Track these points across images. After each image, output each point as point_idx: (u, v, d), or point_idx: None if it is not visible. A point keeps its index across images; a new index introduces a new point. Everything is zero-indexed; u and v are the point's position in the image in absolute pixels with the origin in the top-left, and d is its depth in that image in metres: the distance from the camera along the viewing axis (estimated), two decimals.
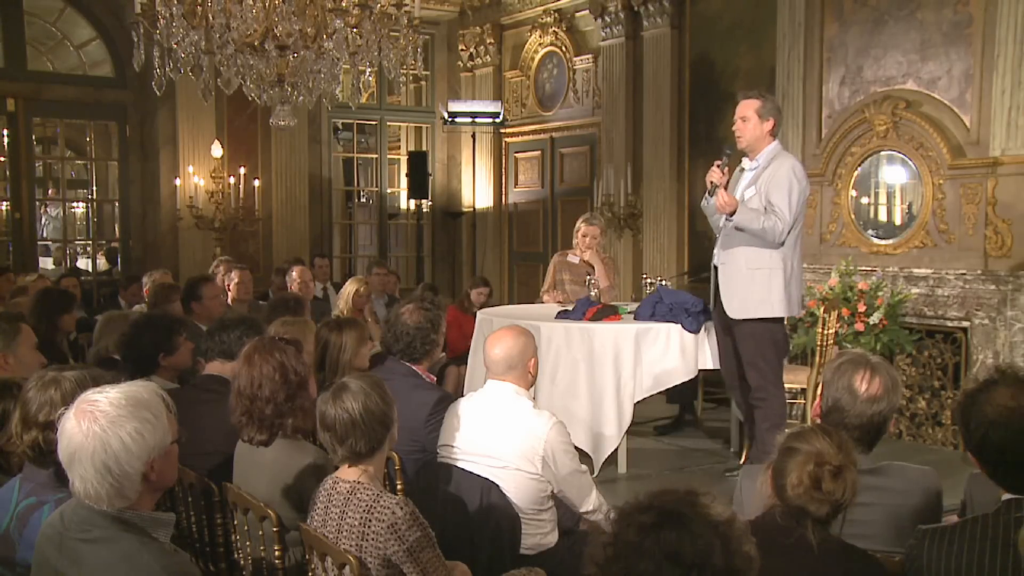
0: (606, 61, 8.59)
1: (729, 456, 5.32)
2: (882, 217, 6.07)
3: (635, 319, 4.93)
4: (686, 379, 4.86)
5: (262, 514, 2.56)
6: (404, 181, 10.24)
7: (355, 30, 4.98)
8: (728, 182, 4.40)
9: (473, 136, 10.03)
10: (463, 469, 3.01)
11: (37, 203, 9.23)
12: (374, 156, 10.61)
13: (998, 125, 5.24)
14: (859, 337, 5.47)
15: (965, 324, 5.44)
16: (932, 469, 2.55)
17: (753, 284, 4.32)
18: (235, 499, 2.70)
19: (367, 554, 2.31)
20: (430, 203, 10.45)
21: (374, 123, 10.46)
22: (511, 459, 2.95)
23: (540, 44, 9.53)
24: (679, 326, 4.75)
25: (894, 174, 5.95)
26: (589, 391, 4.70)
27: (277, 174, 9.29)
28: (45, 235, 10.87)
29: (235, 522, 2.74)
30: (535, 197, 9.88)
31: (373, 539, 2.31)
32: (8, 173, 8.82)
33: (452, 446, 3.08)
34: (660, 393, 5.03)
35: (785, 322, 4.60)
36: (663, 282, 5.69)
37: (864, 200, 6.10)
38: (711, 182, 4.30)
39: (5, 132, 8.81)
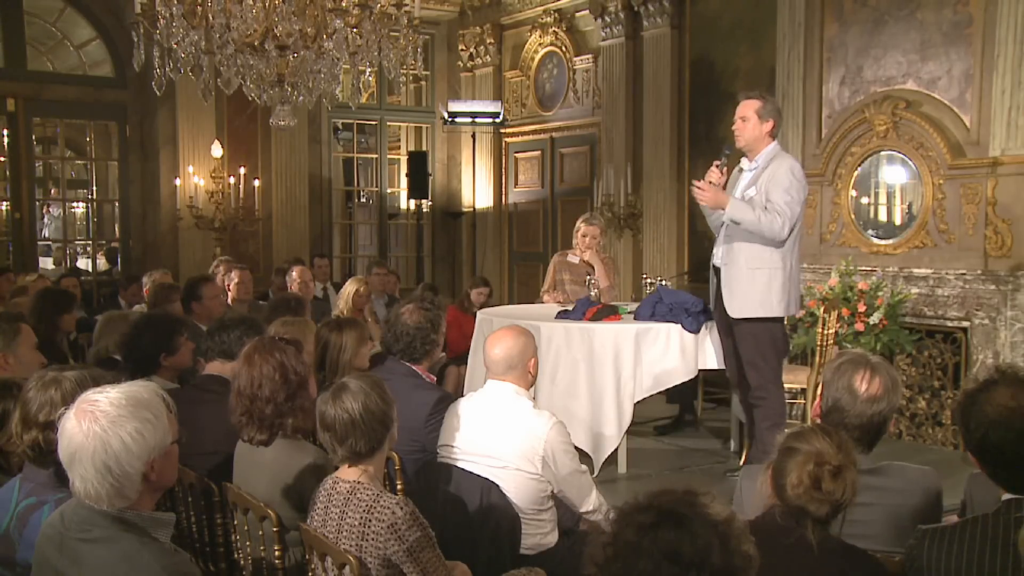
0: (606, 61, 8.59)
1: (729, 456, 5.32)
2: (882, 217, 6.07)
3: (635, 319, 4.93)
4: (686, 379, 4.86)
5: (262, 514, 2.56)
6: (404, 181, 10.24)
7: (355, 30, 4.99)
8: (727, 182, 4.42)
9: (473, 136, 10.03)
10: (463, 469, 3.01)
11: (37, 203, 9.23)
12: (374, 156, 10.61)
13: (998, 125, 5.24)
14: (859, 337, 5.47)
15: (965, 324, 5.44)
16: (932, 469, 2.55)
17: (754, 284, 4.33)
18: (235, 499, 2.70)
19: (367, 554, 2.31)
20: (430, 203, 10.45)
21: (374, 123, 10.46)
22: (511, 459, 2.95)
23: (540, 44, 9.53)
24: (679, 326, 4.75)
25: (894, 174, 5.95)
26: (589, 391, 4.70)
27: (277, 174, 9.29)
28: (47, 235, 10.88)
29: (235, 522, 2.74)
30: (535, 197, 9.88)
31: (373, 539, 2.31)
32: (8, 173, 8.82)
33: (452, 446, 3.08)
34: (660, 393, 5.03)
35: (785, 322, 4.61)
36: (663, 282, 5.69)
37: (864, 200, 6.10)
38: (709, 182, 4.30)
39: (5, 132, 8.81)
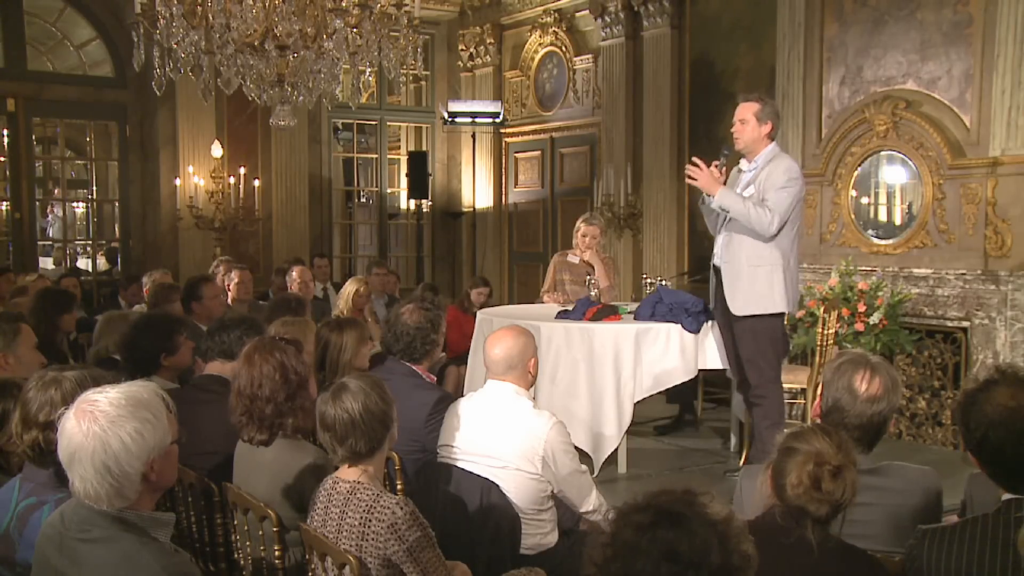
0: (606, 61, 8.59)
1: (729, 456, 5.32)
2: (882, 217, 6.07)
3: (635, 319, 4.93)
4: (686, 379, 4.86)
5: (262, 514, 2.56)
6: (404, 181, 10.25)
7: (355, 30, 4.99)
8: (725, 182, 4.43)
9: (473, 136, 10.03)
10: (463, 469, 3.01)
11: (37, 203, 9.22)
12: (374, 156, 10.61)
13: (998, 125, 5.24)
14: (859, 337, 5.47)
15: (965, 324, 5.44)
16: (932, 469, 2.55)
17: (755, 281, 4.36)
18: (235, 499, 2.70)
19: (367, 554, 2.31)
20: (430, 203, 10.45)
21: (374, 123, 10.46)
22: (511, 459, 2.95)
23: (540, 44, 9.53)
24: (679, 326, 4.75)
25: (894, 174, 5.95)
26: (589, 391, 4.70)
27: (277, 174, 9.29)
28: (51, 235, 10.87)
29: (235, 522, 2.74)
30: (535, 197, 9.88)
31: (373, 539, 2.31)
32: (8, 173, 8.82)
33: (452, 446, 3.08)
34: (660, 393, 5.03)
35: (785, 320, 4.61)
36: (663, 282, 5.69)
37: (864, 200, 6.10)
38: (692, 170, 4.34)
39: (5, 132, 8.81)
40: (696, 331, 4.76)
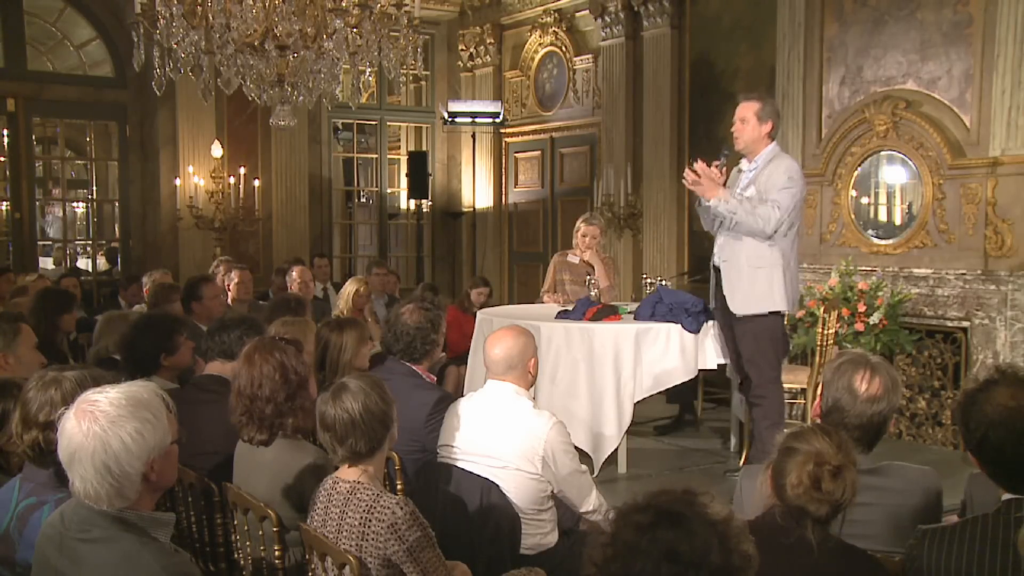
0: (606, 61, 8.59)
1: (729, 456, 5.33)
2: (882, 217, 6.07)
3: (635, 319, 4.93)
4: (686, 379, 4.86)
5: (262, 514, 2.56)
6: (404, 181, 10.24)
7: (355, 30, 4.99)
8: (725, 182, 4.43)
9: (473, 136, 10.03)
10: (463, 469, 3.01)
11: (37, 203, 9.22)
12: (374, 156, 10.61)
13: (998, 125, 5.24)
14: (859, 337, 5.47)
15: (965, 324, 5.44)
16: (932, 469, 2.55)
17: (755, 281, 4.36)
18: (235, 499, 2.70)
19: (367, 554, 2.31)
20: (430, 203, 10.45)
21: (374, 123, 10.46)
22: (511, 459, 2.95)
23: (540, 44, 9.53)
24: (679, 326, 4.75)
25: (894, 174, 5.95)
26: (589, 391, 4.70)
27: (277, 174, 9.29)
28: (52, 235, 10.87)
29: (235, 522, 2.74)
30: (535, 197, 9.88)
31: (373, 539, 2.31)
32: (8, 173, 8.82)
33: (452, 446, 3.08)
34: (660, 393, 5.03)
35: (785, 320, 4.62)
36: (663, 282, 5.69)
37: (864, 200, 6.10)
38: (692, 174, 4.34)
39: (5, 132, 8.81)
40: (696, 331, 4.76)
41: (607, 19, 8.41)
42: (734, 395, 5.31)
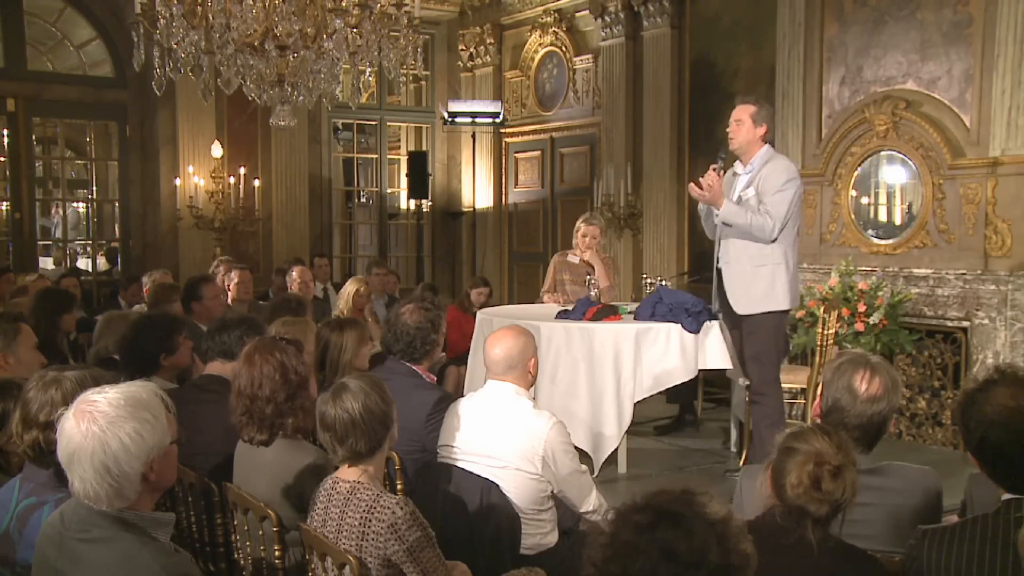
0: (606, 61, 8.59)
1: (729, 456, 5.33)
2: (882, 217, 6.07)
3: (635, 319, 4.93)
4: (686, 379, 4.86)
5: (262, 514, 2.56)
6: (404, 181, 10.24)
7: (355, 30, 4.99)
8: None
9: (473, 136, 10.03)
10: (463, 469, 3.01)
11: (37, 203, 9.22)
12: (374, 156, 10.61)
13: (998, 125, 5.24)
14: (859, 337, 5.47)
15: (965, 324, 5.44)
16: (932, 469, 2.55)
17: (757, 280, 4.41)
18: (235, 499, 2.70)
19: (367, 554, 2.31)
20: (430, 203, 10.45)
21: (374, 123, 10.46)
22: (511, 459, 2.95)
23: (540, 44, 9.53)
24: (679, 326, 4.75)
25: (894, 174, 5.95)
26: (589, 391, 4.70)
27: (277, 174, 9.29)
28: (58, 235, 10.86)
29: (235, 522, 2.74)
30: (535, 197, 9.88)
31: (373, 539, 2.31)
32: (8, 173, 8.83)
33: (452, 446, 3.08)
34: (660, 393, 5.03)
35: (786, 318, 4.65)
36: (663, 282, 5.69)
37: (864, 200, 6.10)
38: (709, 184, 4.37)
39: (5, 132, 8.81)
40: (696, 331, 4.76)
41: (607, 19, 8.41)
42: (734, 395, 5.32)
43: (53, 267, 9.83)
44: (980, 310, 5.34)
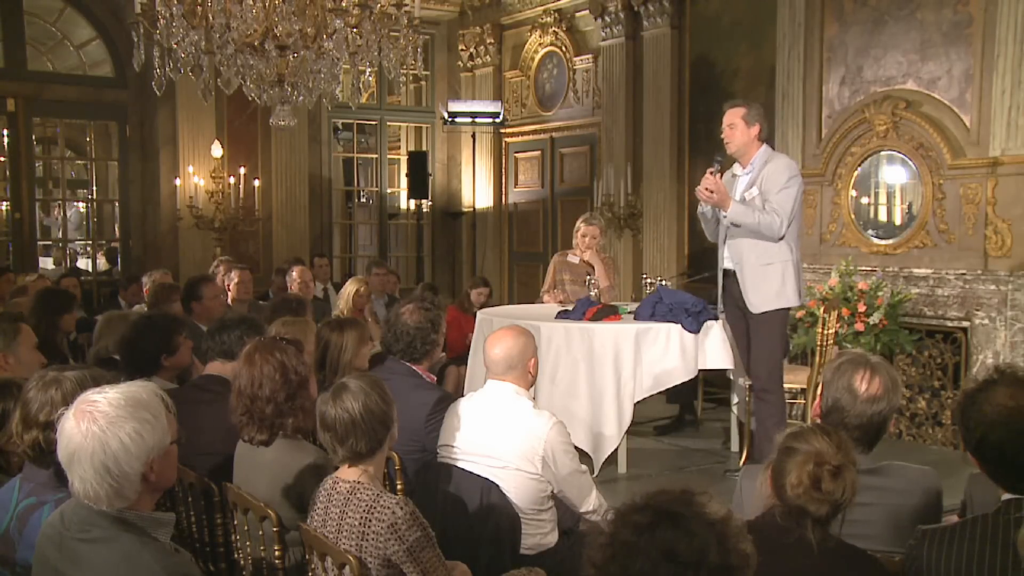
0: (606, 61, 8.59)
1: (729, 456, 5.33)
2: (882, 217, 6.07)
3: (635, 319, 4.93)
4: (686, 379, 4.86)
5: (262, 514, 2.56)
6: (404, 181, 10.24)
7: (355, 30, 4.98)
8: None
9: (473, 136, 10.03)
10: (463, 469, 3.01)
11: (37, 203, 9.22)
12: (374, 156, 10.61)
13: (998, 125, 5.24)
14: (859, 337, 5.47)
15: (965, 324, 5.44)
16: (932, 469, 2.55)
17: (767, 278, 4.46)
18: (235, 499, 2.70)
19: (367, 554, 2.31)
20: (430, 203, 10.45)
21: (374, 123, 10.46)
22: (511, 459, 2.95)
23: (540, 44, 9.53)
24: (679, 326, 4.75)
25: (894, 174, 5.95)
26: (589, 391, 4.70)
27: (277, 174, 9.29)
28: (52, 235, 10.87)
29: (235, 522, 2.74)
30: (535, 197, 9.88)
31: (373, 539, 2.31)
32: (8, 173, 8.83)
33: (452, 446, 3.08)
34: (660, 393, 5.03)
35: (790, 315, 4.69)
36: (663, 282, 5.69)
37: (864, 200, 6.10)
38: (706, 189, 4.41)
39: (5, 132, 8.82)
40: (696, 331, 4.76)
41: (607, 19, 8.41)
42: (734, 395, 5.32)
43: (53, 267, 9.83)
44: (980, 310, 5.34)
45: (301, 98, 5.46)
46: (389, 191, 10.51)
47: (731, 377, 5.21)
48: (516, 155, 10.11)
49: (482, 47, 10.14)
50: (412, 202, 10.37)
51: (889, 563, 2.14)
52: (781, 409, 4.57)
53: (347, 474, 2.46)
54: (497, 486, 2.93)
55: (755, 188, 4.45)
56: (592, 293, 5.40)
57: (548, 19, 9.30)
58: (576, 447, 3.20)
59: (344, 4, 4.88)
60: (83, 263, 10.09)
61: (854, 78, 6.05)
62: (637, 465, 4.95)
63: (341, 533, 2.36)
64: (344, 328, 3.91)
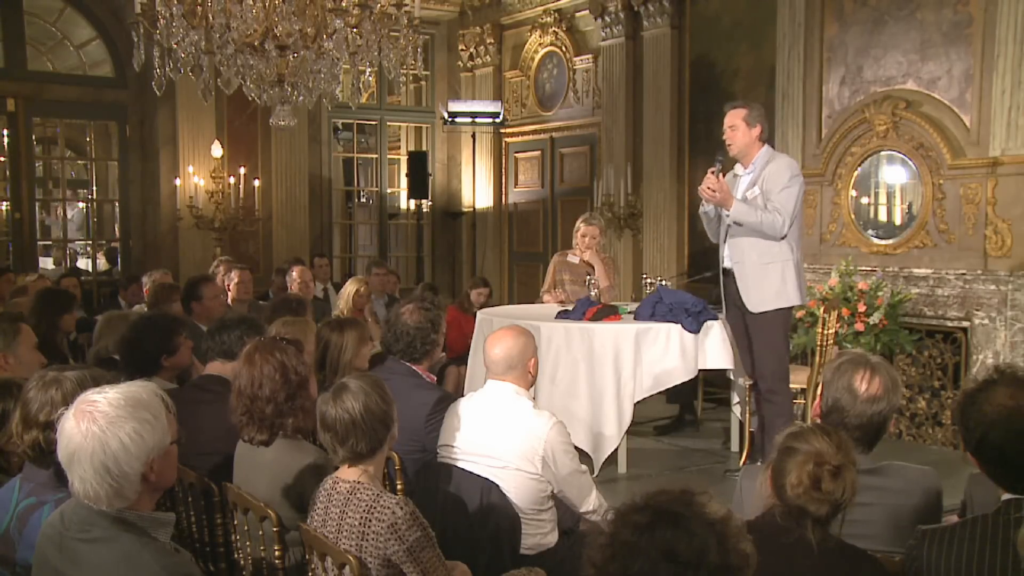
0: (606, 61, 8.59)
1: (729, 456, 5.33)
2: (882, 217, 6.07)
3: (635, 319, 4.93)
4: (686, 379, 4.86)
5: (262, 514, 2.56)
6: (404, 181, 10.25)
7: (355, 30, 4.98)
8: None
9: (473, 136, 10.03)
10: (463, 469, 3.01)
11: (37, 203, 9.22)
12: (374, 156, 10.61)
13: (998, 125, 5.24)
14: (859, 337, 5.47)
15: (965, 324, 5.44)
16: (932, 469, 2.55)
17: (767, 277, 4.47)
18: (235, 499, 2.70)
19: (367, 554, 2.31)
20: (430, 203, 10.45)
21: (374, 123, 10.46)
22: (511, 459, 2.95)
23: (540, 44, 9.53)
24: (679, 326, 4.75)
25: (894, 174, 5.95)
26: (589, 391, 4.70)
27: (277, 174, 9.29)
28: (52, 235, 10.87)
29: (235, 522, 2.74)
30: (535, 197, 9.88)
31: (373, 539, 2.31)
32: (8, 173, 8.83)
33: (452, 446, 3.08)
34: (660, 393, 5.03)
35: (794, 314, 4.69)
36: (663, 282, 5.69)
37: (864, 200, 6.10)
38: (709, 188, 4.42)
39: (5, 132, 8.82)
40: (696, 331, 4.76)
41: (607, 19, 8.41)
42: (734, 395, 5.32)
43: (53, 267, 9.83)
44: (980, 310, 5.34)
45: (301, 98, 5.46)
46: (389, 191, 10.51)
47: (731, 377, 5.21)
48: (516, 155, 10.11)
49: (482, 47, 10.14)
50: (412, 202, 10.38)
51: (889, 563, 2.14)
52: (789, 409, 4.59)
53: (347, 474, 2.46)
54: (497, 486, 2.93)
55: (756, 188, 4.46)
56: (592, 293, 5.40)
57: (548, 19, 9.30)
58: (576, 447, 3.20)
59: (344, 4, 4.88)
60: (83, 263, 10.09)
61: (854, 78, 6.05)
62: (637, 465, 4.95)
63: (341, 533, 2.36)
64: (344, 328, 3.91)
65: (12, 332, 3.42)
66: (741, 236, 4.48)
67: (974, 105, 5.40)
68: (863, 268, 5.79)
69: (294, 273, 6.68)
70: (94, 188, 9.72)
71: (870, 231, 6.02)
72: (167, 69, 4.94)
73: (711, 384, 6.20)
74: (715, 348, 4.83)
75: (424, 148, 10.49)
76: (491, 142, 10.20)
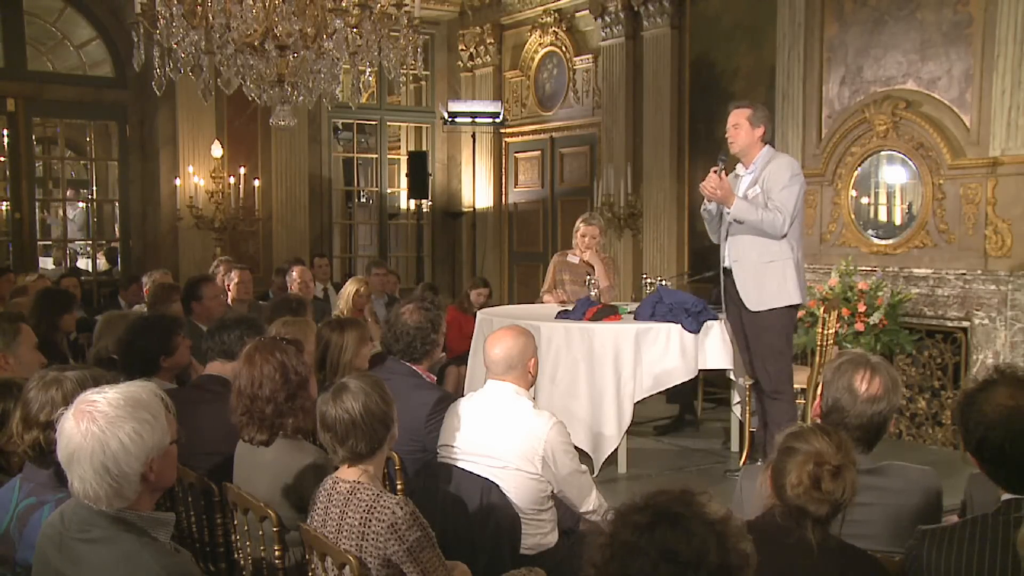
0: (606, 61, 8.59)
1: (729, 456, 5.33)
2: (882, 217, 6.07)
3: (635, 319, 4.93)
4: (686, 379, 4.87)
5: (262, 514, 2.56)
6: (404, 181, 10.25)
7: (355, 30, 4.98)
8: None
9: (473, 136, 10.03)
10: (463, 469, 3.01)
11: (37, 203, 9.22)
12: (374, 156, 10.62)
13: (998, 125, 5.24)
14: (859, 337, 5.47)
15: (965, 324, 5.44)
16: (932, 469, 2.55)
17: (767, 276, 4.46)
18: (235, 499, 2.70)
19: (367, 554, 2.31)
20: (430, 203, 10.45)
21: (374, 123, 10.46)
22: (511, 459, 2.95)
23: (540, 44, 9.53)
24: (679, 326, 4.76)
25: (894, 174, 5.95)
26: (589, 391, 4.70)
27: (277, 174, 9.29)
28: (52, 235, 10.87)
29: (235, 522, 2.74)
30: (535, 197, 9.88)
31: (373, 539, 2.31)
32: (8, 173, 8.83)
33: (452, 446, 3.08)
34: (660, 393, 5.04)
35: (798, 313, 4.68)
36: (663, 282, 5.69)
37: (864, 200, 6.10)
38: (711, 185, 4.41)
39: (5, 132, 8.82)
40: (696, 331, 4.76)
41: (607, 19, 8.41)
42: (734, 395, 5.32)
43: (53, 267, 9.83)
44: (980, 310, 5.34)
45: (301, 98, 5.46)
46: (389, 191, 10.51)
47: (731, 377, 5.21)
48: (516, 155, 10.11)
49: (482, 47, 10.14)
50: (412, 202, 10.38)
51: (889, 563, 2.14)
52: (794, 408, 4.57)
53: (347, 474, 2.46)
54: (497, 486, 2.93)
55: (757, 187, 4.46)
56: (592, 293, 5.40)
57: (548, 19, 9.30)
58: (576, 447, 3.20)
59: (344, 4, 4.88)
60: (83, 263, 10.09)
61: (854, 78, 6.05)
62: (637, 465, 4.95)
63: (341, 533, 2.36)
64: (344, 328, 3.91)
65: (12, 332, 3.42)
66: (742, 235, 4.47)
67: (974, 105, 5.40)
68: (863, 268, 5.79)
69: (294, 273, 6.68)
70: (94, 188, 9.72)
71: (870, 231, 6.02)
72: (167, 69, 4.94)
73: (711, 384, 6.21)
74: (715, 348, 4.83)
75: (424, 148, 10.49)
76: (491, 142, 10.20)
